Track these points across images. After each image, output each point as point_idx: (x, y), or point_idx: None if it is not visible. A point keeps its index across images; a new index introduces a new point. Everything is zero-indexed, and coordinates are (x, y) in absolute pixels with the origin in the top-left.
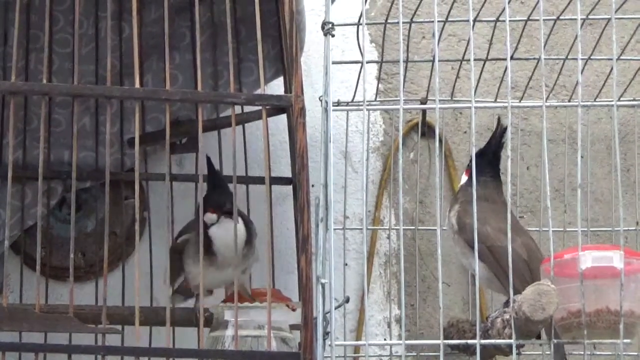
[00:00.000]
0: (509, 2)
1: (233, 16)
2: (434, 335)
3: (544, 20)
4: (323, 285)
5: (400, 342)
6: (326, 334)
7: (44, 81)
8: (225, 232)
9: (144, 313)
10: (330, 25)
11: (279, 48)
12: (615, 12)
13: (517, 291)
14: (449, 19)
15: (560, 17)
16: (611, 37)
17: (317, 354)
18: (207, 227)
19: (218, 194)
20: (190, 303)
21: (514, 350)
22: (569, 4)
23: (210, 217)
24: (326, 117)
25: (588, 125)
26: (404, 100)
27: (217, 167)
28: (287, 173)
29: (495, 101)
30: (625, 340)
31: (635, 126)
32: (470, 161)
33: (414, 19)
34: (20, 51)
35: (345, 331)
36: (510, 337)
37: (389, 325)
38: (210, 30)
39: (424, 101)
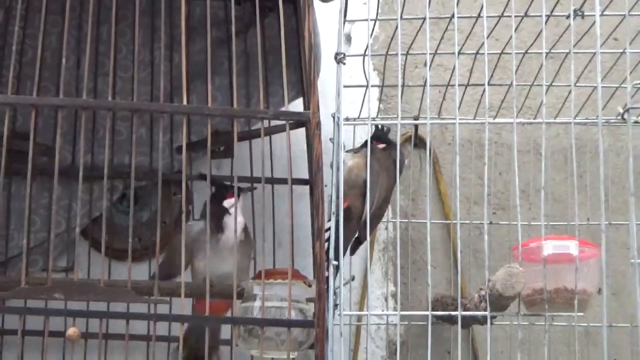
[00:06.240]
0: (487, 38)
1: (263, 48)
2: (423, 307)
3: (515, 53)
4: (334, 266)
5: (396, 313)
6: (335, 305)
7: (109, 99)
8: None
9: (188, 287)
10: (342, 56)
11: (300, 74)
12: (573, 47)
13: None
14: (438, 52)
15: (528, 51)
16: (569, 68)
17: (328, 321)
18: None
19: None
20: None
21: (489, 321)
22: (535, 40)
23: (230, 201)
24: (337, 130)
25: (549, 139)
26: (400, 117)
27: (248, 170)
28: (305, 175)
29: (474, 118)
30: (578, 314)
31: (588, 140)
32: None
33: (409, 52)
34: (90, 75)
35: (350, 303)
36: (485, 310)
37: (386, 299)
38: (244, 59)
39: (416, 118)
